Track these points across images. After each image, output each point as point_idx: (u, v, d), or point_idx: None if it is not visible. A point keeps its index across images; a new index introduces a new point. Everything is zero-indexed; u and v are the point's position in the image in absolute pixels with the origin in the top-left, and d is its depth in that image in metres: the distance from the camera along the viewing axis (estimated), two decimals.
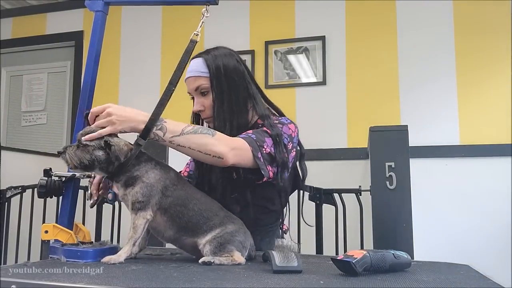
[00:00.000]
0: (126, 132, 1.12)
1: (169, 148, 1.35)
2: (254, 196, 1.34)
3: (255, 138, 1.22)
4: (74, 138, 1.17)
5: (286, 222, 1.58)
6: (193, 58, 1.38)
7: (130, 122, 1.10)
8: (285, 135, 1.30)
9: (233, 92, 1.34)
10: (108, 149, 1.07)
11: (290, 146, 1.30)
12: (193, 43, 1.19)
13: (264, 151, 1.22)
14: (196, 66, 1.36)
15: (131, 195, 1.06)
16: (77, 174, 1.15)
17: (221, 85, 1.33)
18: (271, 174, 1.23)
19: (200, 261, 1.02)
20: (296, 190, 1.83)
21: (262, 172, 1.20)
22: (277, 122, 1.33)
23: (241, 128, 1.30)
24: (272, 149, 1.24)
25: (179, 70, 1.18)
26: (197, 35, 1.21)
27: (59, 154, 1.08)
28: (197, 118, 1.43)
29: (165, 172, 1.11)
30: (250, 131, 1.27)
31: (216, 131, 1.19)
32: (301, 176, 1.46)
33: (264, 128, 1.28)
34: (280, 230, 1.49)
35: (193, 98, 1.40)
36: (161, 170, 1.11)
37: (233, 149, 1.17)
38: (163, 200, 1.08)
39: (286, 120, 1.36)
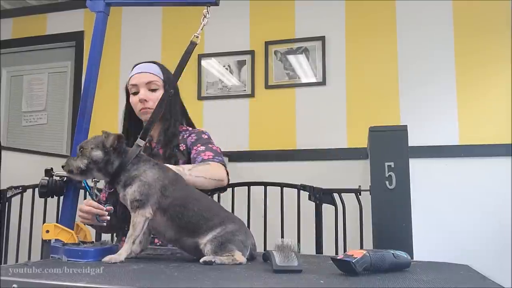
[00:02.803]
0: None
1: None
2: None
3: (220, 159, 1.49)
4: (75, 139, 1.17)
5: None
6: (143, 62, 1.61)
7: None
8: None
9: (177, 102, 1.61)
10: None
11: None
12: (193, 45, 1.21)
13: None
14: (152, 67, 1.60)
15: (129, 194, 1.07)
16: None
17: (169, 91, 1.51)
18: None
19: (201, 260, 1.02)
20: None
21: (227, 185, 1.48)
22: (204, 138, 1.59)
23: (175, 136, 1.55)
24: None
25: (178, 73, 1.20)
26: (197, 37, 1.22)
27: (63, 167, 1.12)
28: (129, 117, 1.63)
29: (163, 172, 1.12)
30: (210, 153, 1.49)
31: (208, 162, 1.44)
32: None
33: (211, 145, 1.54)
34: None
35: (134, 93, 1.57)
36: (159, 169, 1.12)
37: (226, 172, 1.44)
38: (162, 200, 1.08)
39: (206, 132, 1.63)
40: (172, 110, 1.57)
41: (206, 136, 1.59)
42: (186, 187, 1.15)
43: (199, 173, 1.34)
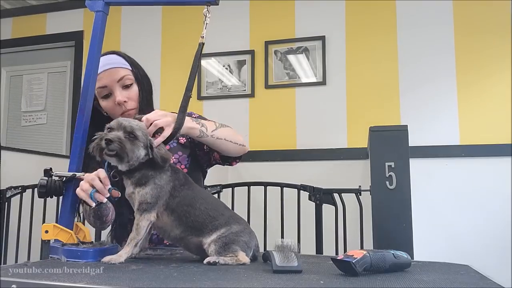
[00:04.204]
0: (174, 136, 1.14)
1: None
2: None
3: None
4: (74, 137, 1.17)
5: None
6: (104, 55, 1.36)
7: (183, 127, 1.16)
8: None
9: (149, 94, 1.42)
10: (151, 150, 1.06)
11: None
12: (200, 46, 1.20)
13: None
14: (116, 59, 1.37)
15: (139, 195, 1.06)
16: (78, 174, 1.15)
17: (143, 81, 1.40)
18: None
19: (205, 261, 1.02)
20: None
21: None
22: (196, 115, 1.48)
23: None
24: None
25: (193, 76, 1.19)
26: (202, 37, 1.21)
27: (108, 143, 1.01)
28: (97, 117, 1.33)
29: (175, 173, 1.11)
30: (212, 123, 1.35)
31: (227, 124, 1.37)
32: None
33: (208, 120, 1.40)
34: None
35: (106, 96, 1.35)
36: (172, 171, 1.11)
37: (241, 135, 1.40)
38: (170, 200, 1.07)
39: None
40: (150, 106, 1.40)
41: (196, 115, 1.45)
42: (193, 186, 1.15)
43: (222, 135, 1.29)
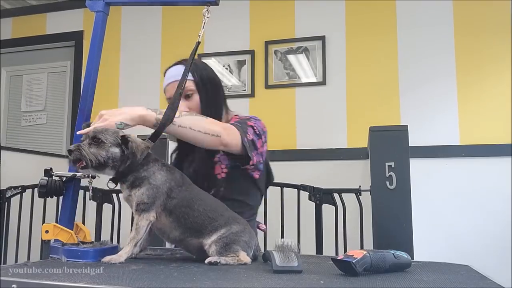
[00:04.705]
0: (128, 125, 1.12)
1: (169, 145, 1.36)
2: (233, 191, 1.40)
3: (240, 126, 1.33)
4: (75, 138, 1.17)
5: (262, 221, 1.63)
6: (172, 66, 1.46)
7: (124, 114, 1.12)
8: (260, 128, 1.43)
9: (214, 97, 1.45)
10: (125, 145, 1.06)
11: (263, 139, 1.45)
12: (196, 45, 1.21)
13: (248, 138, 1.32)
14: (179, 71, 1.39)
15: (136, 196, 1.06)
16: (78, 174, 1.15)
17: (206, 90, 1.43)
18: (255, 159, 1.34)
19: (206, 261, 1.02)
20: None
21: (249, 155, 1.30)
22: (247, 118, 1.46)
23: None
24: (254, 137, 1.36)
25: (186, 74, 1.20)
26: (199, 36, 1.22)
27: (70, 153, 1.04)
28: None
29: (171, 174, 1.11)
30: (237, 117, 1.39)
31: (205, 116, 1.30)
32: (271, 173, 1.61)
33: (245, 119, 1.42)
34: (258, 229, 1.52)
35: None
36: (167, 171, 1.11)
37: (225, 129, 1.26)
38: (168, 202, 1.08)
39: (257, 118, 1.48)
40: (218, 109, 1.44)
41: (246, 117, 1.47)
42: (191, 187, 1.15)
43: (186, 123, 1.19)
